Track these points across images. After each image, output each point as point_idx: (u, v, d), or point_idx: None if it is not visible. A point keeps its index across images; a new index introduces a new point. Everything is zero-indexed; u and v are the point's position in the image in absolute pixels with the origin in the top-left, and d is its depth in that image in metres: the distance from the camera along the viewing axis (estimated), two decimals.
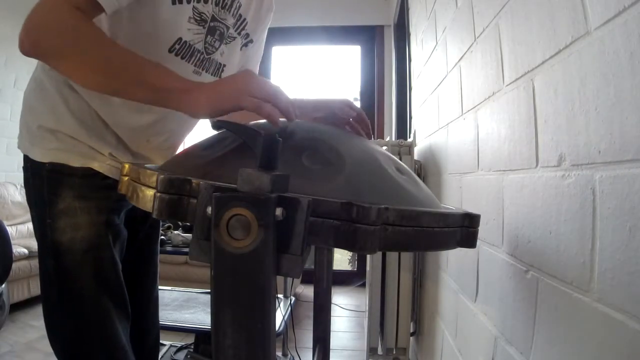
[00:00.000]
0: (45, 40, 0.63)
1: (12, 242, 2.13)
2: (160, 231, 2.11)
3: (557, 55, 0.65)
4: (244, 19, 0.92)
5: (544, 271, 0.69)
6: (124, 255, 0.87)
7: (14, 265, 2.20)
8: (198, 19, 0.80)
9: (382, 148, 0.66)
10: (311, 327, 1.03)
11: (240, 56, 0.97)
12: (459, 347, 1.20)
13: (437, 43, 1.61)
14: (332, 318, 1.08)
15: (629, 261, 0.48)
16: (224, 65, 0.92)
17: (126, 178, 0.55)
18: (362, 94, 3.78)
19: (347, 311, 2.96)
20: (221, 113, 0.61)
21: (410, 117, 2.48)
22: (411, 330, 1.83)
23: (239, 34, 0.92)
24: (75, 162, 0.78)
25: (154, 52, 0.74)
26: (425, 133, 1.90)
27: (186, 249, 2.06)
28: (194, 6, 0.78)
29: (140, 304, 0.94)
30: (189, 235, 2.10)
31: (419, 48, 2.10)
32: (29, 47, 0.63)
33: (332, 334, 1.06)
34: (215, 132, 0.64)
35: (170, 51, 0.79)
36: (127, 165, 0.56)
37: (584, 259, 0.57)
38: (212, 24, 0.83)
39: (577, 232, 0.59)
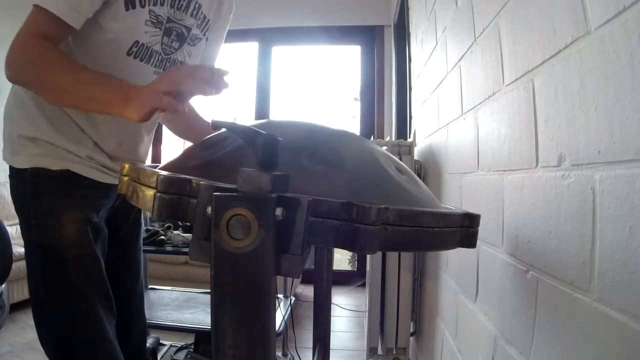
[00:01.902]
0: (16, 73, 0.75)
1: (12, 242, 2.13)
2: (160, 231, 2.11)
3: (557, 55, 0.65)
4: (208, 19, 0.95)
5: (544, 271, 0.69)
6: (106, 252, 0.90)
7: (14, 265, 2.20)
8: (155, 21, 0.84)
9: (382, 148, 0.66)
10: (311, 327, 1.03)
11: (199, 56, 1.00)
12: (459, 347, 1.20)
13: (437, 43, 1.61)
14: (332, 318, 1.08)
15: (629, 261, 0.48)
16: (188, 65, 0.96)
17: (126, 178, 0.55)
18: (362, 94, 3.78)
19: (347, 311, 2.96)
20: (146, 117, 0.69)
21: (410, 117, 2.48)
22: (411, 330, 1.83)
23: (203, 34, 0.96)
24: (55, 165, 0.83)
25: (113, 56, 0.82)
26: (425, 133, 1.90)
27: (186, 249, 2.06)
28: (150, 9, 0.82)
29: (123, 301, 0.97)
30: (189, 235, 2.10)
31: (419, 48, 2.10)
32: (9, 78, 0.75)
33: (332, 334, 1.06)
34: (215, 132, 0.64)
35: (128, 54, 0.84)
36: (127, 165, 0.56)
37: (584, 259, 0.57)
38: (167, 25, 0.87)
39: (577, 232, 0.59)
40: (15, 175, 0.85)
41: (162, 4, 0.84)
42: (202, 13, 0.93)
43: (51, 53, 0.74)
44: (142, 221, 1.10)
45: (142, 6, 0.81)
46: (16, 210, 0.86)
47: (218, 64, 1.11)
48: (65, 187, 0.84)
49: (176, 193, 0.44)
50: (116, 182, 0.91)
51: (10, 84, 0.88)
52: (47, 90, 0.75)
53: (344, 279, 3.48)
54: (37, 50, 0.73)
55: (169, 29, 0.88)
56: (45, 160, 0.83)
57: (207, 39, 1.00)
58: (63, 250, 0.81)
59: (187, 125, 1.08)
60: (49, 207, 0.82)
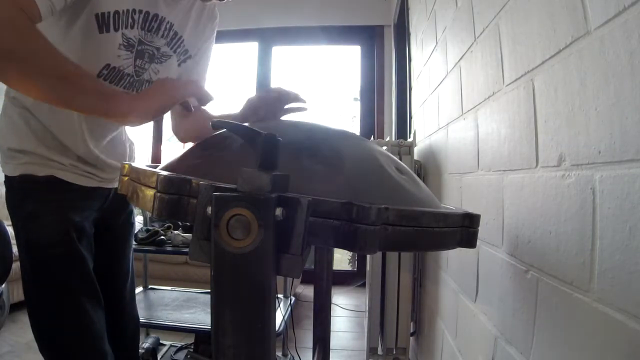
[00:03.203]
0: None
1: (12, 242, 2.13)
2: (160, 231, 2.11)
3: (557, 55, 0.65)
4: (180, 37, 0.95)
5: (544, 271, 0.69)
6: (97, 250, 0.94)
7: (14, 265, 2.20)
8: (126, 44, 0.84)
9: (382, 148, 0.66)
10: (311, 327, 1.04)
11: (177, 72, 1.00)
12: (459, 347, 1.20)
13: (437, 43, 1.61)
14: (332, 318, 1.08)
15: (629, 261, 0.48)
16: None
17: (126, 178, 0.55)
18: (362, 94, 3.77)
19: (347, 311, 2.96)
20: (159, 115, 0.72)
21: (410, 117, 2.48)
22: (411, 330, 1.83)
23: (174, 51, 0.95)
24: (41, 172, 0.87)
25: None
26: (425, 133, 1.90)
27: (186, 249, 2.06)
28: (122, 33, 0.82)
29: (115, 299, 1.00)
30: (189, 235, 2.10)
31: (419, 48, 2.10)
32: None
33: (332, 334, 1.06)
34: (215, 132, 0.64)
35: (98, 76, 0.84)
36: (127, 166, 0.56)
37: (584, 259, 0.57)
38: (139, 47, 0.87)
39: (577, 232, 0.59)
40: (6, 182, 0.89)
41: (132, 27, 0.83)
42: (173, 31, 0.92)
43: (40, 33, 0.62)
44: (134, 221, 1.14)
45: (116, 30, 0.80)
46: (9, 215, 0.90)
47: (209, 74, 1.11)
48: (50, 191, 0.87)
49: (176, 193, 0.44)
50: (102, 185, 0.96)
51: (1, 92, 0.89)
52: (33, 74, 0.62)
53: (344, 279, 3.47)
54: (28, 22, 0.61)
55: (140, 52, 0.88)
56: (32, 167, 0.87)
57: (190, 56, 0.99)
58: (48, 250, 0.84)
59: (201, 125, 1.04)
60: (34, 210, 0.85)
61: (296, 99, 0.94)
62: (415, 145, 2.00)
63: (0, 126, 0.92)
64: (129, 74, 0.89)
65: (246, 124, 0.47)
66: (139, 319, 1.14)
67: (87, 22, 0.77)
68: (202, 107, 1.02)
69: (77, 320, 0.85)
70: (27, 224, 0.85)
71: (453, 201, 1.32)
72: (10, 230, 2.26)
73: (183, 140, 1.10)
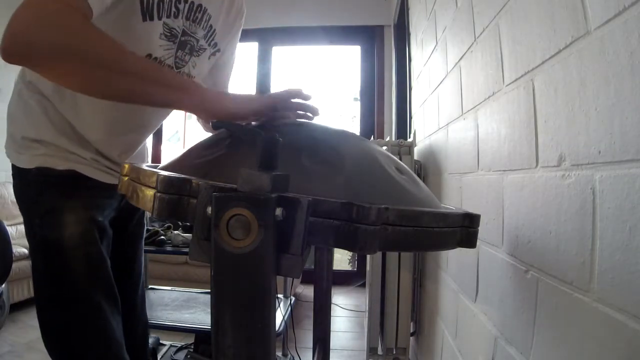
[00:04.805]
0: (44, 38, 0.54)
1: (12, 242, 2.13)
2: (160, 231, 2.11)
3: (557, 55, 0.65)
4: (214, 29, 0.93)
5: (544, 271, 0.69)
6: (111, 252, 0.90)
7: (14, 265, 2.20)
8: (168, 34, 0.81)
9: (382, 148, 0.66)
10: (311, 327, 1.04)
11: (207, 65, 0.98)
12: (459, 347, 1.20)
13: (437, 43, 1.61)
14: (332, 318, 1.08)
15: (629, 261, 0.48)
16: (193, 77, 0.94)
17: (126, 178, 0.55)
18: (362, 94, 3.77)
19: (347, 311, 2.96)
20: (241, 117, 0.69)
21: (410, 117, 2.48)
22: (411, 330, 1.83)
23: (209, 44, 0.94)
24: (60, 165, 0.81)
25: None
26: (425, 133, 1.90)
27: (186, 249, 2.06)
28: (164, 22, 0.79)
29: (126, 299, 0.96)
30: (189, 235, 2.10)
31: (419, 48, 2.10)
32: (19, 47, 0.54)
33: (332, 334, 1.06)
34: (215, 132, 0.64)
35: None
36: (127, 166, 0.56)
37: (584, 259, 0.57)
38: (182, 38, 0.85)
39: (577, 232, 0.59)
40: (18, 174, 0.83)
41: (176, 17, 0.80)
42: (209, 23, 0.90)
43: (94, 26, 0.58)
44: (145, 222, 1.11)
45: (159, 18, 0.77)
46: (20, 209, 0.84)
47: (234, 69, 1.11)
48: (70, 186, 0.82)
49: (176, 193, 0.44)
50: None
51: (11, 84, 0.86)
52: (91, 68, 0.58)
53: (344, 279, 3.47)
54: (80, 16, 0.57)
55: (183, 42, 0.85)
56: (51, 160, 0.81)
57: (219, 50, 0.97)
58: (69, 249, 0.79)
59: None
60: (54, 206, 0.80)
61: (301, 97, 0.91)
62: (415, 145, 2.00)
63: (12, 112, 0.85)
64: (170, 66, 0.85)
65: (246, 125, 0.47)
66: (147, 322, 1.11)
67: (132, 8, 0.73)
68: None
69: (96, 325, 0.80)
70: (46, 222, 0.79)
71: (453, 201, 1.32)
72: (10, 230, 2.26)
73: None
